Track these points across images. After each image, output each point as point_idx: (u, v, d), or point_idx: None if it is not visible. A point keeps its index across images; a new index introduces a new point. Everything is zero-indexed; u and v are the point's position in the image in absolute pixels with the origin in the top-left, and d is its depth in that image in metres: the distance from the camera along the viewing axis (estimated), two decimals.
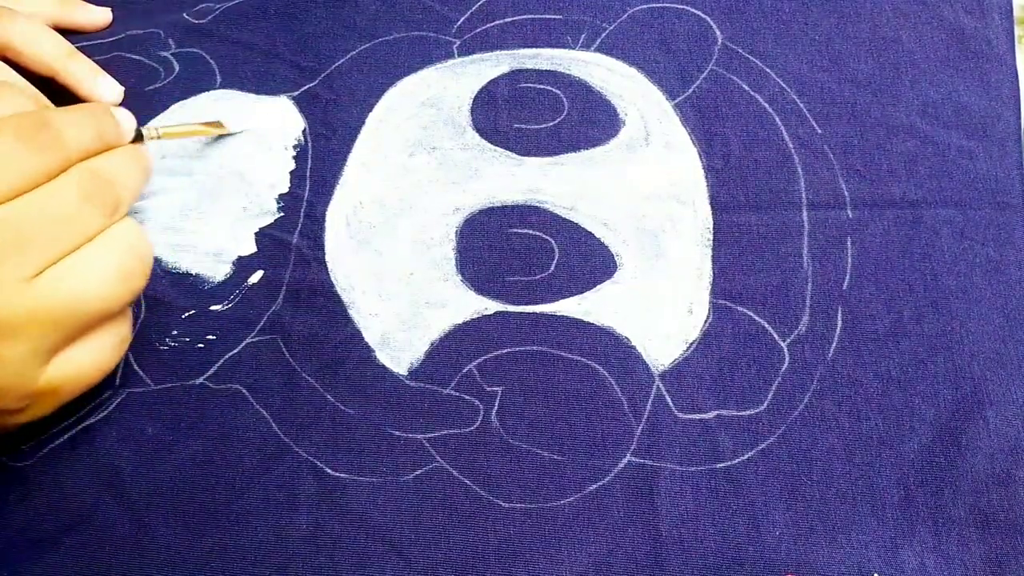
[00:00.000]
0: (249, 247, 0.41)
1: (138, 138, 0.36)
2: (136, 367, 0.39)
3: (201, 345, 0.40)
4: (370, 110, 0.44)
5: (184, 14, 0.47)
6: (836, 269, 0.42)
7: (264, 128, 0.44)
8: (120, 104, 0.44)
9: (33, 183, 0.30)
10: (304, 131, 0.43)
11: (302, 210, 0.42)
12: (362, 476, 0.38)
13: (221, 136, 0.43)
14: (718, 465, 0.39)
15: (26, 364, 0.30)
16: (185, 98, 0.45)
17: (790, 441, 0.39)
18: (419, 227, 0.42)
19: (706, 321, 0.41)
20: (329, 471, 0.38)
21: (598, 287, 0.41)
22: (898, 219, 0.43)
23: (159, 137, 0.38)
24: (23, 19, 0.43)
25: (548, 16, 0.46)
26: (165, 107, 0.44)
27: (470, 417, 0.39)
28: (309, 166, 0.43)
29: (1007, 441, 0.39)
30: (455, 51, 0.45)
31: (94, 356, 0.33)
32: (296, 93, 0.44)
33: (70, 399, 0.33)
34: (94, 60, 0.44)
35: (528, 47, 0.45)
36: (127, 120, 0.36)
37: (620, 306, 0.41)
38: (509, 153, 0.43)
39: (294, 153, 0.43)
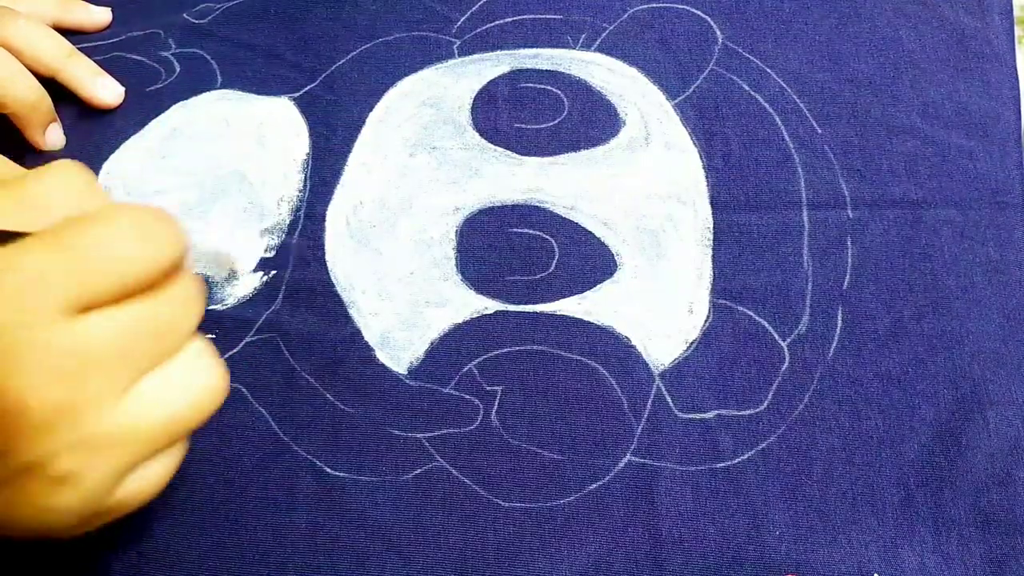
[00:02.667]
0: (250, 247, 0.42)
1: None
2: None
3: None
4: (370, 110, 0.44)
5: (184, 14, 0.47)
6: (836, 269, 0.42)
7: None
8: (120, 105, 0.44)
9: (146, 286, 0.26)
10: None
11: (302, 210, 0.42)
12: (361, 475, 0.38)
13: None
14: (718, 465, 0.39)
15: (105, 484, 0.26)
16: (186, 99, 0.45)
17: (790, 441, 0.39)
18: (419, 227, 0.42)
19: (706, 321, 0.41)
20: (328, 470, 0.38)
21: (598, 287, 0.41)
22: (898, 219, 0.43)
23: None
24: (23, 19, 0.43)
25: (548, 16, 0.46)
26: (166, 108, 0.44)
27: (470, 416, 0.39)
28: (309, 166, 0.43)
29: (1007, 441, 0.39)
30: (455, 51, 0.45)
31: (161, 473, 0.29)
32: (297, 94, 0.45)
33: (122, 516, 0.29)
34: (94, 60, 0.45)
35: (528, 47, 0.45)
36: None
37: (620, 306, 0.41)
38: (509, 153, 0.43)
39: (294, 156, 0.43)
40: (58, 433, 0.25)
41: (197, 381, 0.28)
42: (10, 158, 0.33)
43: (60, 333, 0.24)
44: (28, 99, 0.41)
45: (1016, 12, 0.47)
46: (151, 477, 0.28)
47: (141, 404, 0.26)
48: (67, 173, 0.29)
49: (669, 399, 0.39)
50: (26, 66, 0.42)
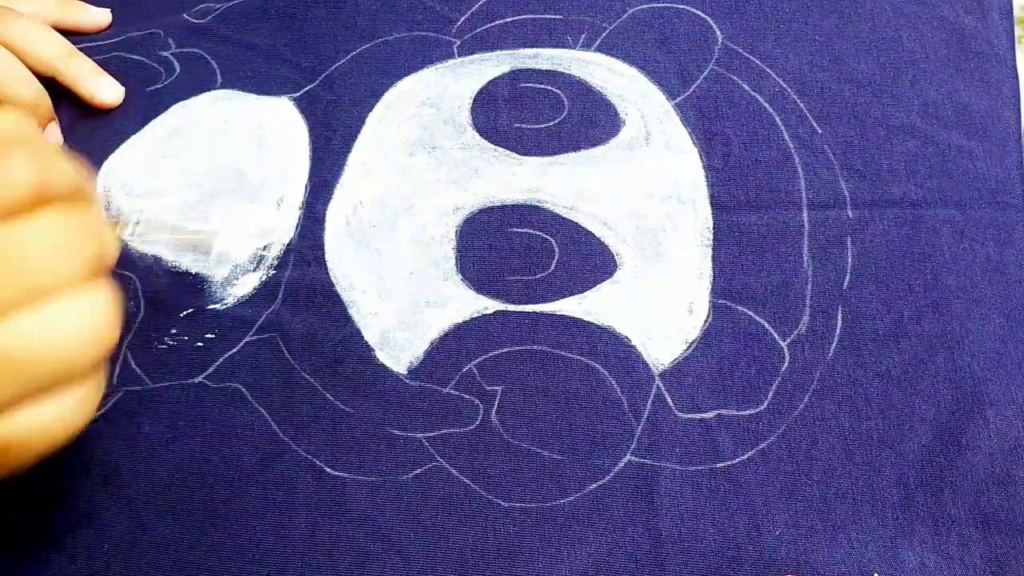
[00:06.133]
0: (249, 247, 0.42)
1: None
2: (134, 366, 0.39)
3: (200, 344, 0.40)
4: (370, 110, 0.44)
5: (184, 14, 0.47)
6: (836, 269, 0.42)
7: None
8: (121, 105, 0.44)
9: (6, 213, 0.26)
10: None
11: (302, 210, 0.42)
12: (361, 475, 0.38)
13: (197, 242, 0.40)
14: (718, 465, 0.39)
15: None
16: (186, 98, 0.45)
17: (790, 441, 0.39)
18: (419, 226, 0.42)
19: (706, 321, 0.41)
20: (328, 470, 0.38)
21: (598, 286, 0.41)
22: (898, 219, 0.43)
23: (133, 231, 0.35)
24: (24, 19, 0.43)
25: (548, 16, 0.46)
26: (166, 107, 0.44)
27: (470, 416, 0.39)
28: (309, 166, 0.43)
29: (1007, 441, 0.39)
30: (455, 51, 0.45)
31: (53, 417, 0.28)
32: (297, 94, 0.45)
33: (19, 467, 0.28)
34: (94, 60, 0.45)
35: (528, 47, 0.45)
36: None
37: (620, 306, 0.41)
38: (509, 153, 0.43)
39: (294, 156, 0.43)
40: None
41: (68, 327, 0.27)
42: None
43: None
44: (28, 99, 0.41)
45: (1016, 12, 0.47)
46: (37, 420, 0.28)
47: (4, 333, 0.26)
48: None
49: (669, 399, 0.39)
50: (26, 66, 0.42)
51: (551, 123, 0.43)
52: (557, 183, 0.42)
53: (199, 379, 0.39)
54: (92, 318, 0.28)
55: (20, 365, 0.27)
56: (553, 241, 0.41)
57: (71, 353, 0.28)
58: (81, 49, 0.45)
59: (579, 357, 0.40)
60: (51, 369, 0.27)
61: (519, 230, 0.42)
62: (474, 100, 0.44)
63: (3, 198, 0.26)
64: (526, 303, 0.41)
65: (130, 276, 0.40)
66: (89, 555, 0.37)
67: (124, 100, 0.44)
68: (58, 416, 0.28)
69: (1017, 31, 0.47)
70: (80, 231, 0.28)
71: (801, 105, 0.44)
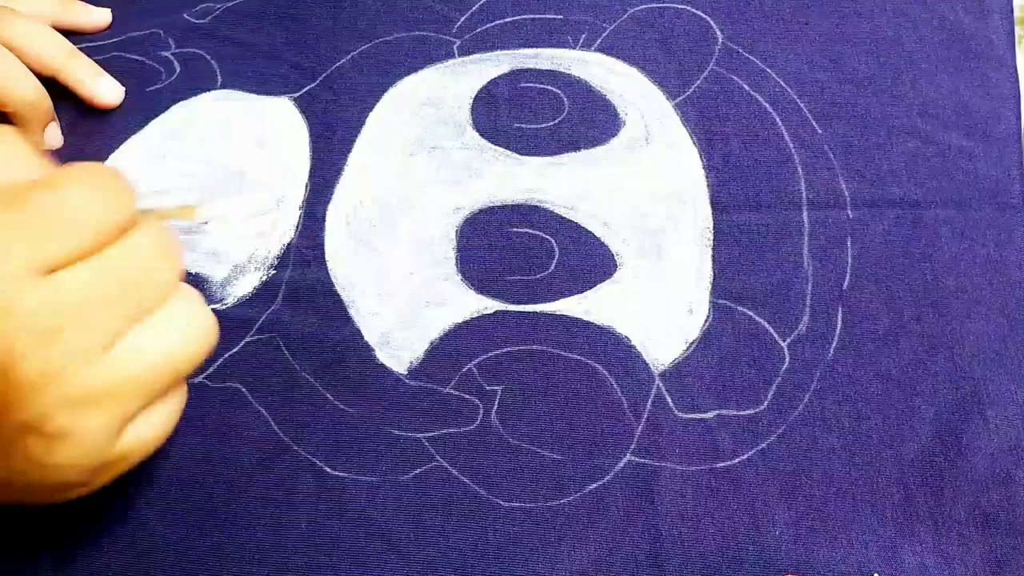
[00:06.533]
0: (249, 247, 0.42)
1: None
2: None
3: None
4: (370, 110, 0.44)
5: (185, 14, 0.47)
6: (836, 269, 0.42)
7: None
8: (121, 105, 0.44)
9: (109, 238, 0.27)
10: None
11: (302, 210, 0.42)
12: (361, 475, 0.38)
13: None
14: (718, 464, 0.39)
15: (103, 436, 0.27)
16: (186, 98, 0.45)
17: (790, 441, 0.39)
18: (419, 226, 0.42)
19: (706, 321, 0.41)
20: (328, 470, 0.38)
21: (598, 286, 0.41)
22: (898, 219, 0.43)
23: None
24: (24, 19, 0.43)
25: (548, 16, 0.46)
26: (166, 108, 0.44)
27: (470, 416, 0.39)
28: (309, 166, 0.43)
29: (1007, 441, 0.39)
30: (455, 51, 0.45)
31: (164, 419, 0.30)
32: (297, 94, 0.45)
33: (130, 469, 0.30)
34: (94, 60, 0.45)
35: (528, 47, 0.45)
36: None
37: (620, 306, 0.41)
38: (509, 153, 0.43)
39: (294, 156, 0.43)
40: (47, 392, 0.25)
41: (184, 328, 0.29)
42: None
43: (31, 294, 0.25)
44: (28, 98, 0.41)
45: (1016, 12, 0.48)
46: (152, 425, 0.29)
47: (128, 354, 0.27)
48: (5, 143, 0.29)
49: (669, 399, 0.39)
50: (27, 65, 0.42)
51: (551, 123, 0.43)
52: (557, 183, 0.42)
53: (199, 379, 0.39)
54: (199, 318, 0.29)
55: (146, 378, 0.28)
56: (553, 241, 0.41)
57: (186, 355, 0.29)
58: (81, 49, 0.45)
59: (579, 357, 0.40)
60: (171, 374, 0.29)
61: (519, 230, 0.42)
62: (474, 100, 0.44)
63: (119, 214, 0.27)
64: (526, 303, 0.41)
65: None
66: (87, 554, 0.37)
67: (124, 100, 0.44)
68: (167, 418, 0.30)
69: (1017, 31, 0.47)
70: (167, 239, 0.29)
71: (801, 105, 0.44)
